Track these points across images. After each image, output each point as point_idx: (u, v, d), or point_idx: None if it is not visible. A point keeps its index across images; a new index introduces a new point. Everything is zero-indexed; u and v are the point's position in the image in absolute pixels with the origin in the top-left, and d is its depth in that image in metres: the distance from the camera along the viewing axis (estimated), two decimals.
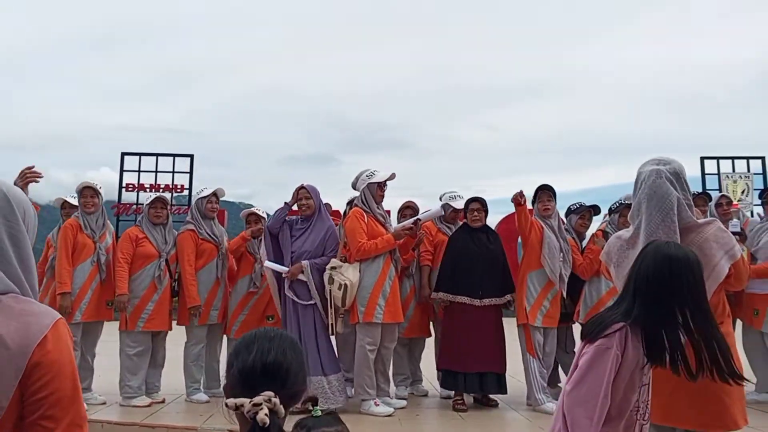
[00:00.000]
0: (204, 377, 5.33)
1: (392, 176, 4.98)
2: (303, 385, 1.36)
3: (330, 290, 4.72)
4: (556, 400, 5.04)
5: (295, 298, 4.81)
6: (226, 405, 1.24)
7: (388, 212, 5.37)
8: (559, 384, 5.36)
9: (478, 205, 5.08)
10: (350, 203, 5.31)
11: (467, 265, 4.91)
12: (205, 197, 5.34)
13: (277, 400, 1.23)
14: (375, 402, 4.67)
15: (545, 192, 5.06)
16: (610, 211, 5.15)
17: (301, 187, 5.00)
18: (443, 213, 5.33)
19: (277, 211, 5.02)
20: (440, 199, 5.54)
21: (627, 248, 2.47)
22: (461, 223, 5.23)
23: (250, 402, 1.22)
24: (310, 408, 1.43)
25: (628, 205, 3.77)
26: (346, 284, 4.66)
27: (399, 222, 5.21)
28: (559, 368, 5.32)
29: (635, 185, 2.48)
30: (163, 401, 5.10)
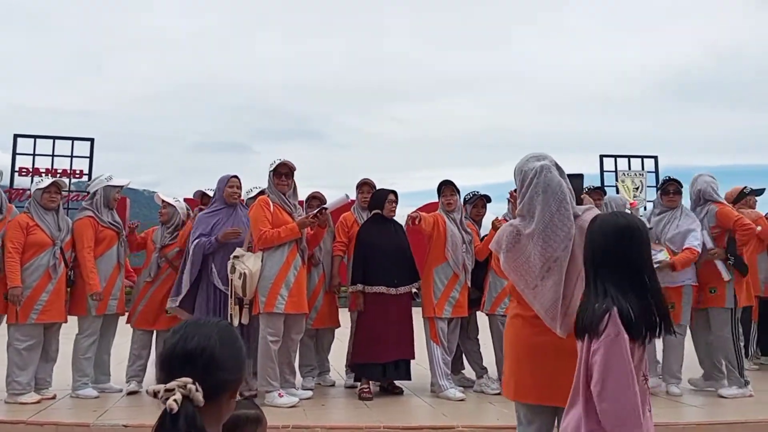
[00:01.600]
0: (92, 371, 5.08)
1: (285, 164, 4.88)
2: (235, 374, 1.31)
3: (231, 279, 4.63)
4: (460, 386, 5.21)
5: (222, 287, 4.80)
6: (146, 392, 1.20)
7: (301, 203, 5.34)
8: (462, 371, 5.52)
9: (394, 197, 5.19)
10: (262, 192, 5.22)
11: (381, 255, 4.97)
12: (115, 186, 5.15)
13: (194, 387, 1.18)
14: (279, 393, 4.62)
15: (448, 187, 5.21)
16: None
17: (234, 176, 5.09)
18: (347, 200, 5.32)
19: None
20: (356, 188, 5.58)
21: (518, 235, 2.53)
22: (372, 213, 5.24)
23: (164, 388, 1.17)
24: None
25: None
26: (245, 273, 4.58)
27: (306, 212, 5.17)
28: (463, 355, 5.47)
29: (522, 182, 2.55)
30: (53, 397, 4.82)
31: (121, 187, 5.24)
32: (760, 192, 6.29)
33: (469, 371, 5.45)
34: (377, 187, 5.49)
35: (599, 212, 2.47)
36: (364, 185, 5.58)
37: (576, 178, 2.72)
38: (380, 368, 4.92)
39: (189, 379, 1.19)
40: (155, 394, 1.18)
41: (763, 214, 6.27)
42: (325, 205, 5.07)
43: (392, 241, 5.07)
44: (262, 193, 5.12)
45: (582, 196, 2.74)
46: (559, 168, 2.56)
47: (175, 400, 1.15)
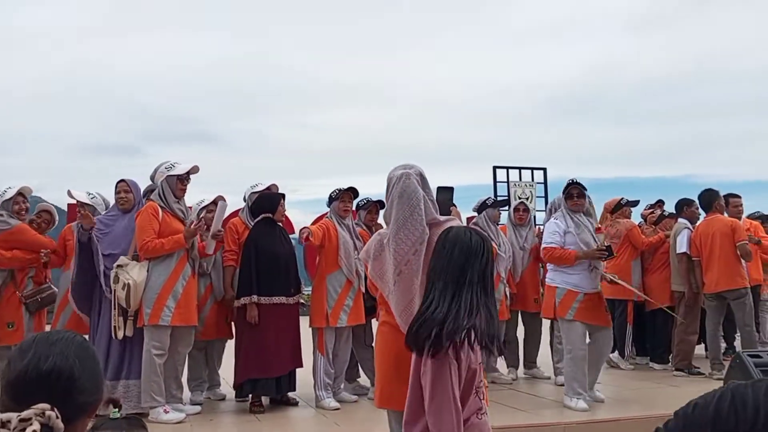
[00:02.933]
0: None
1: (195, 169, 4.70)
2: (96, 395, 1.17)
3: (114, 290, 4.36)
4: (355, 394, 5.19)
5: (109, 295, 4.49)
6: None
7: (191, 208, 5.11)
8: (358, 378, 5.50)
9: (282, 200, 5.05)
10: (147, 194, 4.95)
11: (275, 263, 4.77)
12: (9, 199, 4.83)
13: (53, 414, 1.04)
14: (164, 409, 4.39)
15: (347, 193, 5.17)
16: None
17: (121, 181, 4.77)
18: (226, 205, 5.01)
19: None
20: (244, 195, 5.38)
21: (382, 242, 2.62)
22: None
23: (18, 417, 1.02)
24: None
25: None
26: (129, 284, 4.33)
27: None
28: (359, 363, 5.44)
29: (387, 189, 2.67)
30: None
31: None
32: (635, 203, 6.74)
33: (364, 379, 5.44)
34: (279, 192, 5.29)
35: (459, 222, 2.62)
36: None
37: (445, 191, 2.87)
38: (274, 382, 4.74)
39: (47, 406, 1.06)
40: (3, 425, 1.03)
41: (637, 224, 6.74)
42: (202, 217, 4.84)
43: (285, 248, 4.93)
44: (215, 203, 4.97)
45: (451, 208, 2.86)
46: (423, 178, 2.66)
47: (35, 431, 1.02)
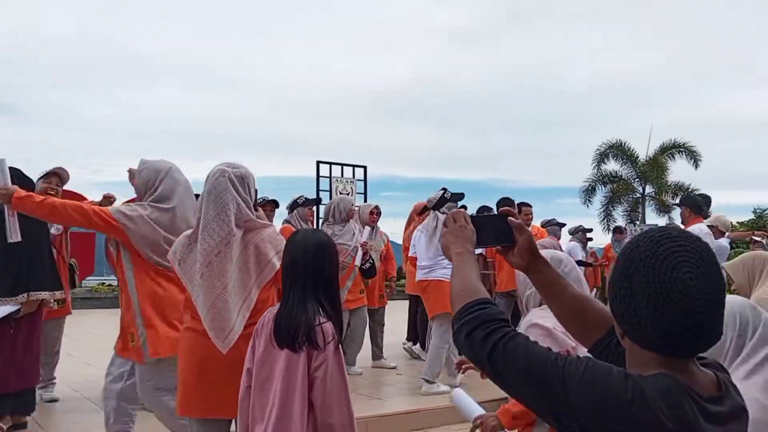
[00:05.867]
0: None
1: None
2: None
3: None
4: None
5: None
6: None
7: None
8: None
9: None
10: None
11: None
12: None
13: None
14: None
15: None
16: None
17: None
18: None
19: None
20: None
21: (190, 243, 2.55)
22: None
23: None
24: None
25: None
26: None
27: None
28: None
29: (205, 182, 2.60)
30: None
31: None
32: (460, 196, 7.00)
33: None
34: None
35: (275, 229, 2.66)
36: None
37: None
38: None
39: None
40: None
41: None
42: None
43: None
44: None
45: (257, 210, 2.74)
46: (243, 180, 2.58)
47: None
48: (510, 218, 1.43)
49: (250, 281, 2.49)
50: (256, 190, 2.69)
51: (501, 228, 1.44)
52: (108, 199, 4.39)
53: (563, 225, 9.35)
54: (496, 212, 7.54)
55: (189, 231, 2.61)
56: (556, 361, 1.05)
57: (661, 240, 1.04)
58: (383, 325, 6.71)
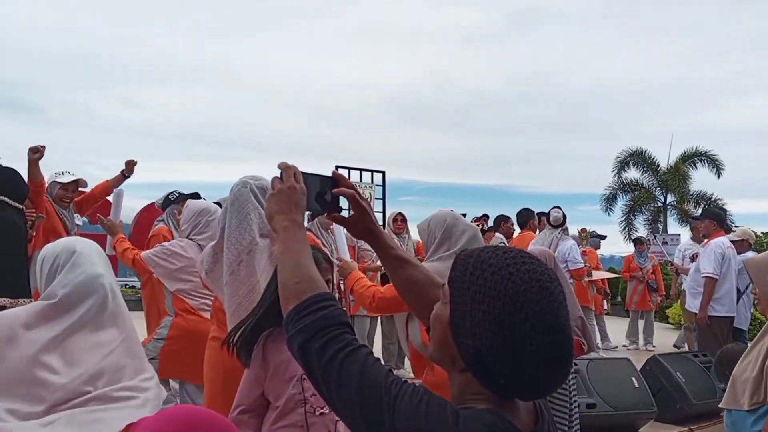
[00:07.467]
0: None
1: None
2: None
3: None
4: None
5: None
6: None
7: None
8: None
9: None
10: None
11: None
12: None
13: None
14: None
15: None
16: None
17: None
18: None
19: None
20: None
21: (216, 253, 2.56)
22: None
23: None
24: None
25: None
26: None
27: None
28: None
29: (228, 194, 2.62)
30: None
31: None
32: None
33: None
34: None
35: None
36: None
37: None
38: None
39: None
40: None
41: None
42: None
43: None
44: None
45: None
46: (263, 190, 2.55)
47: None
48: (341, 188, 1.34)
49: None
50: None
51: (325, 193, 1.30)
52: (130, 165, 4.82)
53: (604, 237, 9.18)
54: (493, 218, 7.43)
55: (214, 242, 2.63)
56: (390, 387, 0.99)
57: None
58: None
